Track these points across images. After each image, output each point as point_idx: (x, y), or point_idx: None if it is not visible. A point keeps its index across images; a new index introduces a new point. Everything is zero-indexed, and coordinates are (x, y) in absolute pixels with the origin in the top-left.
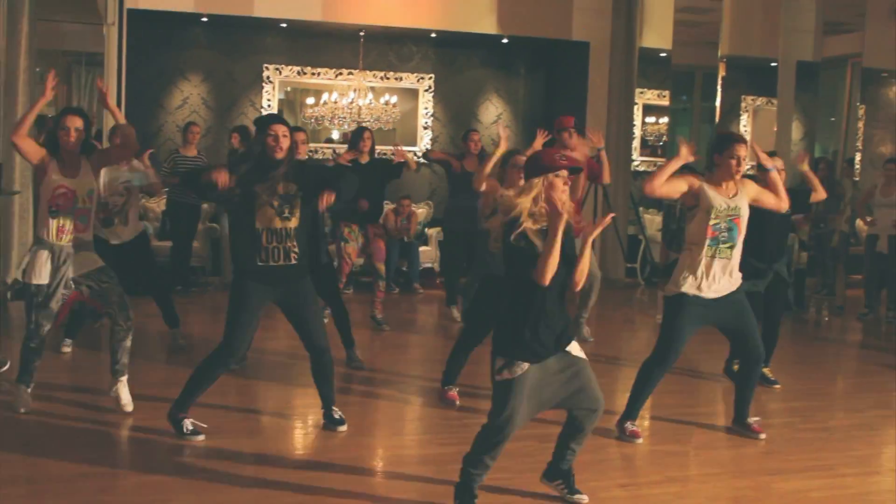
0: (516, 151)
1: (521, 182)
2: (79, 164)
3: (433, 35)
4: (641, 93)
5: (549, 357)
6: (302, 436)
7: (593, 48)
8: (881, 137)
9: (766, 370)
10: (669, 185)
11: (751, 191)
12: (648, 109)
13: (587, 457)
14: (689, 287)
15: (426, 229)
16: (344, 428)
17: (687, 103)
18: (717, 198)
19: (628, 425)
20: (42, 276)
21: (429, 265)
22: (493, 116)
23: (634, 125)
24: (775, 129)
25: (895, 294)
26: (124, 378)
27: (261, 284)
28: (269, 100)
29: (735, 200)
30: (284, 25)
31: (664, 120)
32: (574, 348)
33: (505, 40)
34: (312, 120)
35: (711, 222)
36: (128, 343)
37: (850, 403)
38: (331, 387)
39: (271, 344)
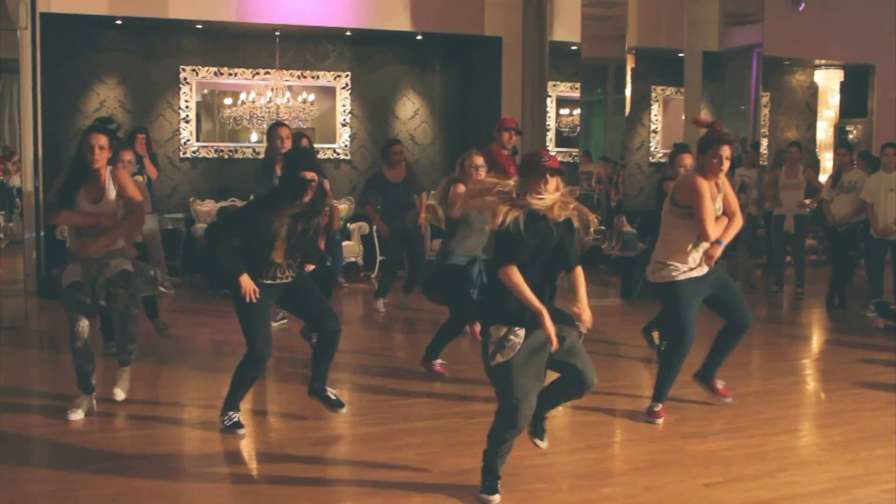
0: (470, 152)
1: (482, 178)
2: (103, 186)
3: (348, 33)
4: (554, 85)
5: (535, 326)
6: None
7: (505, 43)
8: (786, 123)
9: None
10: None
11: (727, 189)
12: (562, 102)
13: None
14: (682, 275)
15: (348, 224)
16: (344, 410)
17: (601, 95)
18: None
19: (655, 407)
20: (74, 277)
21: (352, 260)
22: (410, 112)
23: (549, 117)
24: (683, 117)
25: (802, 271)
26: (125, 368)
27: (264, 290)
28: (186, 101)
29: (719, 199)
30: (200, 26)
31: (578, 112)
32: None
33: (419, 37)
34: (231, 120)
35: None
36: (131, 329)
37: (762, 373)
38: (328, 365)
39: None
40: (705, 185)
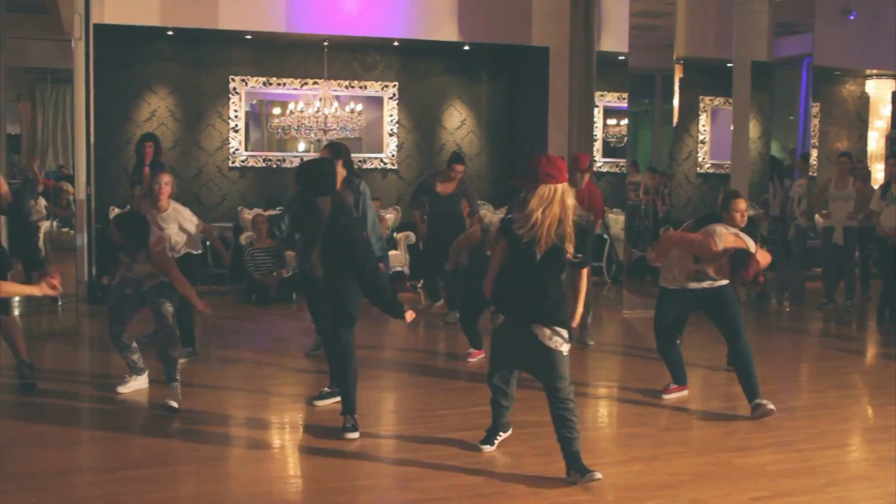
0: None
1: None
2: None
3: (396, 43)
4: (602, 95)
5: (513, 318)
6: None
7: (553, 53)
8: (836, 134)
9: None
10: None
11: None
12: (609, 112)
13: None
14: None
15: (395, 234)
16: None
17: (648, 105)
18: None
19: (759, 402)
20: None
21: (398, 269)
22: (458, 122)
23: (596, 127)
24: (732, 128)
25: (851, 283)
26: (173, 384)
27: None
28: (235, 111)
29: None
30: (249, 37)
31: (625, 122)
32: (546, 337)
33: (466, 47)
34: (279, 130)
35: None
36: (173, 353)
37: (812, 385)
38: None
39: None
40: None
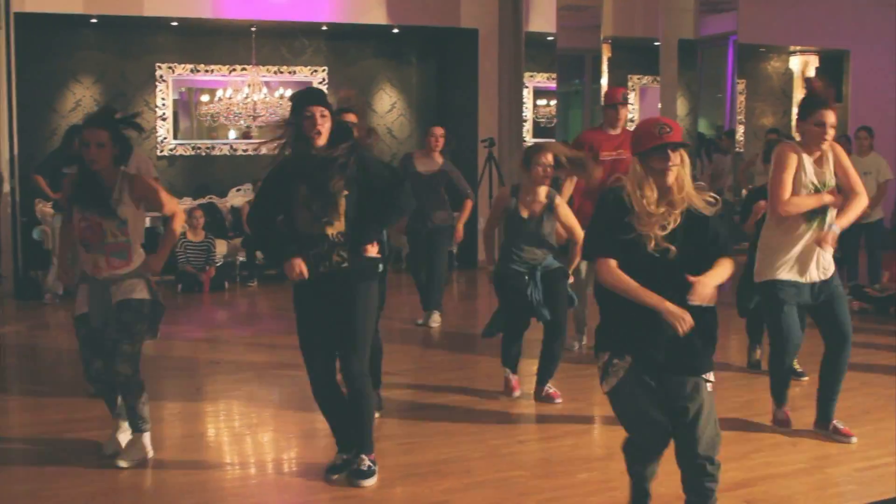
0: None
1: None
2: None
3: (324, 28)
4: (531, 76)
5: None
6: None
7: (482, 35)
8: (762, 110)
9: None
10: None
11: (843, 162)
12: (539, 93)
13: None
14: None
15: None
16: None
17: (578, 85)
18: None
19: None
20: (83, 307)
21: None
22: (388, 106)
23: (526, 108)
24: (660, 106)
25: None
26: (138, 434)
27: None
28: (163, 99)
29: (828, 173)
30: (175, 24)
31: (554, 102)
32: None
33: (395, 30)
34: (208, 117)
35: None
36: (133, 400)
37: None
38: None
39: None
40: (793, 158)
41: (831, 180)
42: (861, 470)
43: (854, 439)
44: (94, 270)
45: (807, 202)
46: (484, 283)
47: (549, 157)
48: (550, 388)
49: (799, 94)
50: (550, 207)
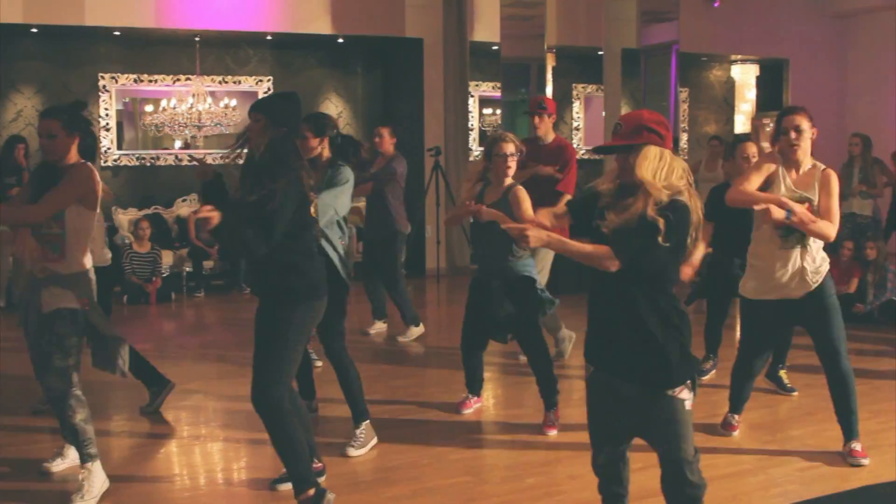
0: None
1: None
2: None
3: (269, 38)
4: (477, 85)
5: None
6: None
7: (427, 44)
8: (705, 118)
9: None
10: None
11: (826, 186)
12: (484, 102)
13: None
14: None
15: None
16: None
17: (524, 94)
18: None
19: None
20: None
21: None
22: (334, 115)
23: (472, 117)
24: (604, 114)
25: None
26: (87, 464)
27: None
28: (106, 109)
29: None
30: (118, 33)
31: (500, 111)
32: None
33: (341, 40)
34: (153, 127)
35: None
36: (68, 419)
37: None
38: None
39: None
40: (768, 165)
41: (812, 198)
42: (803, 470)
43: (866, 461)
44: (33, 262)
45: (750, 196)
46: (432, 291)
47: (510, 147)
48: (550, 417)
49: (741, 102)
50: (506, 197)
